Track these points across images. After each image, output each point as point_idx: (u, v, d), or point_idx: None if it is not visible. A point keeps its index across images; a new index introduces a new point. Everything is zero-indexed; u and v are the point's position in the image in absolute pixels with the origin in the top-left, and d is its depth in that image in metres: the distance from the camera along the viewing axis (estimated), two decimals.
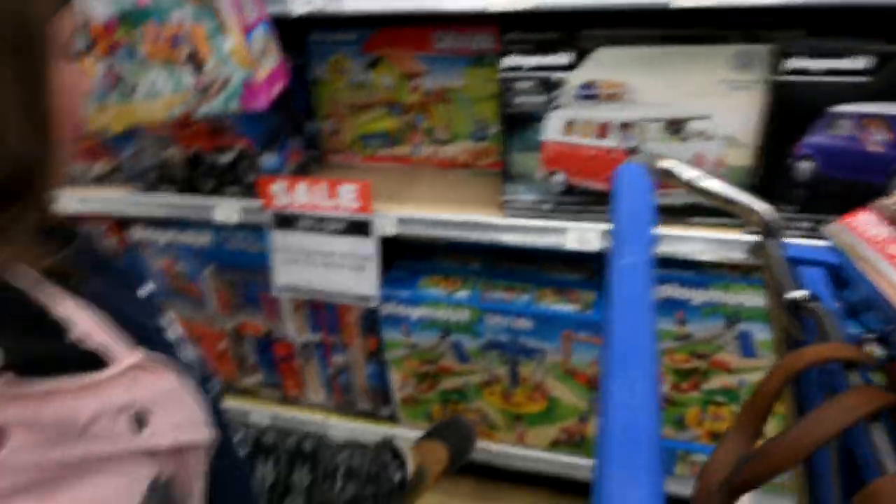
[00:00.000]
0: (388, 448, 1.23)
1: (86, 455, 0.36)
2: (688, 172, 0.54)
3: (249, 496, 0.62)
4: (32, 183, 0.42)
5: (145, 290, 0.60)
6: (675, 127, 0.97)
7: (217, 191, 1.22)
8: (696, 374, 1.18)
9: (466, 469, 1.49)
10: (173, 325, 0.58)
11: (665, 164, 0.53)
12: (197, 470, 0.46)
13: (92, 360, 0.39)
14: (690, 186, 0.55)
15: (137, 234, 1.37)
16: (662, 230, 1.04)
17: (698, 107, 0.95)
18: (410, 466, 1.21)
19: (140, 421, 0.40)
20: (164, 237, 1.35)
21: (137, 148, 1.22)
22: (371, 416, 1.46)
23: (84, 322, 0.40)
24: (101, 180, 1.35)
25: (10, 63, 0.40)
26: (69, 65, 0.45)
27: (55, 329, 0.39)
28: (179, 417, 0.43)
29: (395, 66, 1.22)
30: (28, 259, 0.41)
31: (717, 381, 1.18)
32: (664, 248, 1.05)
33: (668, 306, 1.12)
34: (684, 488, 1.28)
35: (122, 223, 1.38)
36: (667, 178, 0.54)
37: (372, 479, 1.10)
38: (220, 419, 0.52)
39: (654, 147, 0.99)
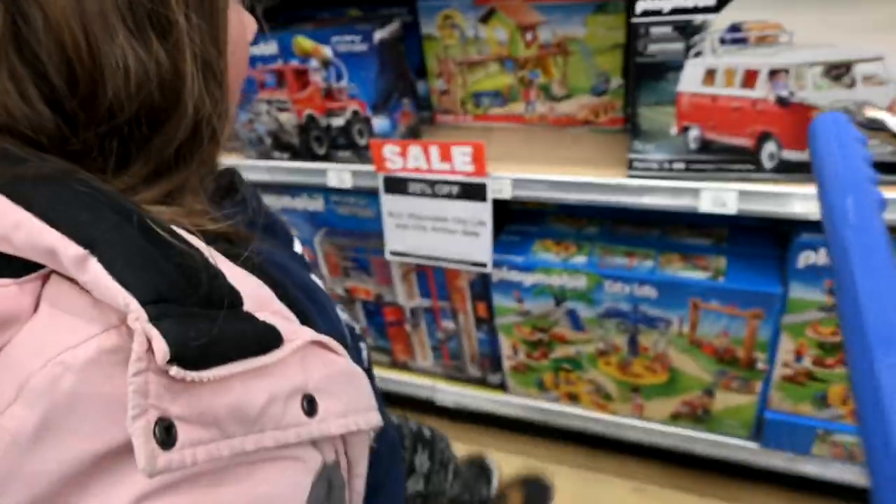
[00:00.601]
0: (478, 463, 1.21)
1: (257, 445, 0.33)
2: None
3: (401, 474, 0.61)
4: (205, 141, 0.39)
5: (298, 246, 0.58)
6: (839, 71, 0.85)
7: (329, 155, 1.21)
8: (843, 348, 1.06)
9: (575, 438, 1.45)
10: (322, 283, 0.57)
11: (874, 113, 0.45)
12: (362, 451, 0.43)
13: (265, 338, 0.35)
14: None
15: None
16: (810, 188, 0.93)
17: (868, 47, 0.83)
18: (496, 485, 1.20)
19: (310, 405, 0.36)
20: (277, 202, 1.36)
21: (252, 115, 1.23)
22: (480, 382, 1.44)
23: (251, 294, 0.37)
24: None
25: (188, 8, 0.37)
26: (239, 11, 0.42)
27: (231, 300, 0.34)
28: (349, 401, 0.39)
29: (509, 18, 1.15)
30: (197, 222, 0.38)
31: None
32: (810, 208, 0.94)
33: (816, 273, 1.01)
34: (823, 470, 1.18)
35: None
36: (874, 132, 0.46)
37: (468, 485, 1.09)
38: (373, 385, 0.50)
39: (811, 96, 0.87)
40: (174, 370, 0.29)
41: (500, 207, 1.20)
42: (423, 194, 1.15)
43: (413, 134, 1.26)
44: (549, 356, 1.31)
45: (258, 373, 0.33)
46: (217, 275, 0.34)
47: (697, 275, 1.11)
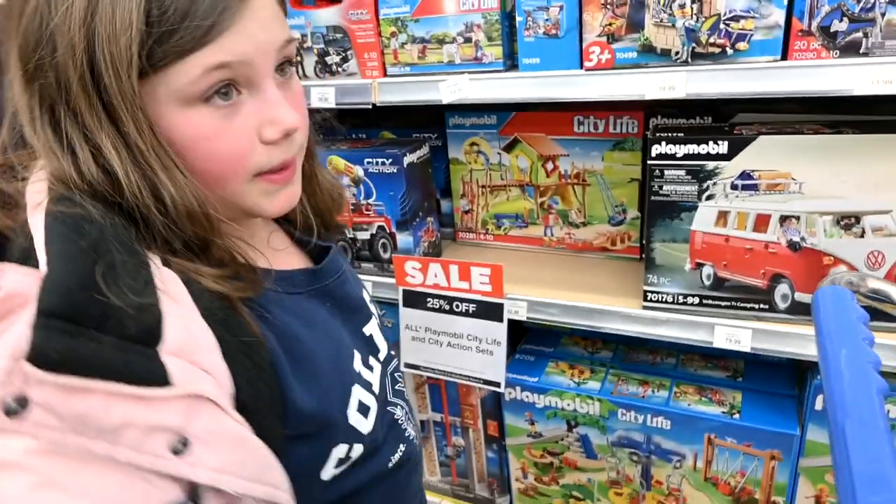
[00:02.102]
0: None
1: (109, 454, 0.38)
2: None
3: None
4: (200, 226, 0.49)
5: (371, 327, 0.68)
6: (848, 221, 0.88)
7: (352, 265, 1.25)
8: None
9: None
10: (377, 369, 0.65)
11: (878, 284, 0.47)
12: None
13: (147, 374, 0.40)
14: None
15: None
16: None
17: (878, 200, 0.86)
18: None
19: (183, 446, 0.40)
20: None
21: None
22: (488, 503, 1.39)
23: (182, 339, 0.42)
24: None
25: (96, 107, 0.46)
26: (190, 114, 0.48)
27: (137, 335, 0.40)
28: (232, 463, 0.42)
29: (531, 148, 1.22)
30: (196, 276, 0.48)
31: None
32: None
33: None
34: None
35: None
36: (877, 302, 0.47)
37: None
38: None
39: (822, 242, 0.90)
40: (26, 366, 0.36)
41: (515, 324, 1.21)
42: (440, 310, 1.17)
43: (435, 250, 1.30)
44: (559, 482, 1.27)
45: (125, 398, 0.38)
46: (144, 309, 0.41)
47: (712, 409, 1.09)
